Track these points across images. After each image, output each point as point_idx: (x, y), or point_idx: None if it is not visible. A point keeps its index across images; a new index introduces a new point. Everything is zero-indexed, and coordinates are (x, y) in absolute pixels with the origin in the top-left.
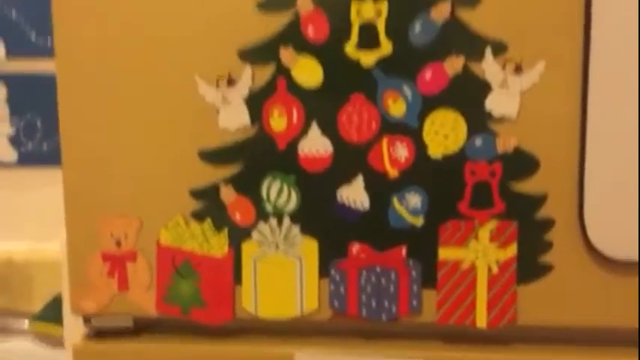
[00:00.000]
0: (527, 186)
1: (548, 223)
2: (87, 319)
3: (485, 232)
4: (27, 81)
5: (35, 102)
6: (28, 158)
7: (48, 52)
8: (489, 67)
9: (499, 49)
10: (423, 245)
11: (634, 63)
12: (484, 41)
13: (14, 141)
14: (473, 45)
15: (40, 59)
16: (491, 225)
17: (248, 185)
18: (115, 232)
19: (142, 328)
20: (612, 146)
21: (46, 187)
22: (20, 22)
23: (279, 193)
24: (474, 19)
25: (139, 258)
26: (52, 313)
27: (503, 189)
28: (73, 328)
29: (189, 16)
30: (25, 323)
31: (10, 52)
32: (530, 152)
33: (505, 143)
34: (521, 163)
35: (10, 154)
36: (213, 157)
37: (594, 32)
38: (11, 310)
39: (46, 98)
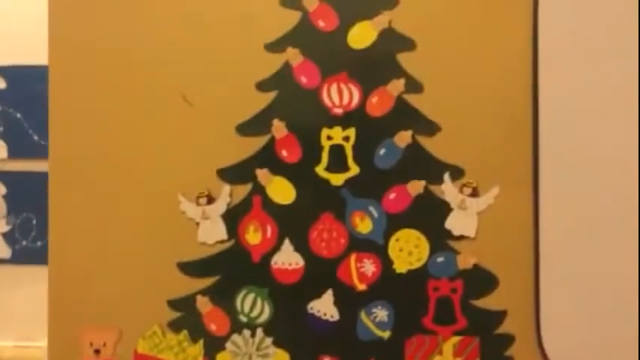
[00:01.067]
0: (488, 302)
1: (509, 339)
2: None
3: (449, 348)
4: (26, 180)
5: (32, 200)
6: (21, 256)
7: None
8: (448, 190)
9: (457, 173)
10: (390, 359)
11: (581, 181)
12: (443, 166)
13: (9, 238)
14: (433, 169)
15: (40, 160)
16: (454, 340)
17: (223, 297)
18: (94, 342)
19: None
20: (565, 262)
21: (38, 285)
22: (24, 123)
23: (253, 304)
24: (434, 145)
25: None
26: None
27: (465, 305)
28: None
29: (172, 136)
30: None
31: (12, 153)
32: (489, 270)
33: (465, 261)
34: (481, 280)
35: (5, 251)
36: (192, 269)
37: (542, 157)
38: None
39: (43, 197)
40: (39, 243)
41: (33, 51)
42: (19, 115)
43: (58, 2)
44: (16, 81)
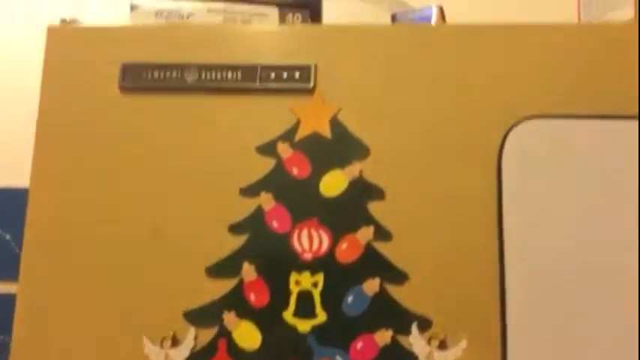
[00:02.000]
0: None
1: None
2: None
3: None
4: (5, 302)
5: (11, 323)
6: None
7: None
8: (416, 342)
9: (424, 324)
10: None
11: (550, 340)
12: (411, 316)
13: None
14: (401, 319)
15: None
16: None
17: None
18: None
19: None
20: None
21: None
22: (11, 244)
23: None
24: (402, 294)
25: None
26: None
27: None
28: None
29: (141, 276)
30: None
31: (1, 275)
32: None
33: None
34: None
35: None
36: None
37: (510, 313)
38: None
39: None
40: None
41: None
42: (7, 237)
43: (45, 126)
44: (6, 203)
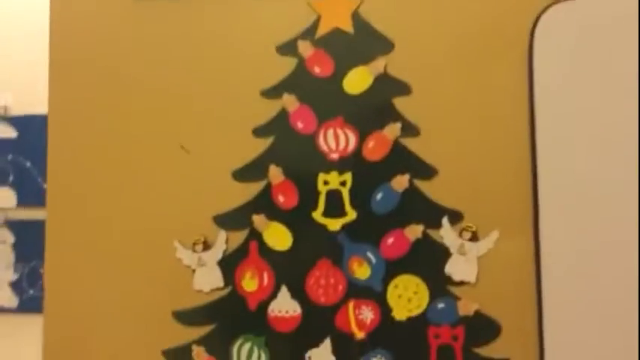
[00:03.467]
0: (490, 350)
1: None
2: None
3: None
4: (34, 228)
5: (40, 249)
6: (28, 305)
7: None
8: (447, 234)
9: (455, 217)
10: None
11: (582, 222)
12: (441, 210)
13: (16, 287)
14: (431, 213)
15: None
16: None
17: (220, 346)
18: None
19: None
20: (570, 307)
21: None
22: (33, 172)
23: (250, 354)
24: (432, 189)
25: None
26: None
27: (467, 353)
28: None
29: (168, 183)
30: None
31: (22, 201)
32: (491, 316)
33: (466, 307)
34: (483, 328)
35: (12, 301)
36: (187, 317)
37: (542, 199)
38: None
39: None
40: None
41: (43, 100)
42: (28, 164)
43: (59, 47)
44: (26, 130)
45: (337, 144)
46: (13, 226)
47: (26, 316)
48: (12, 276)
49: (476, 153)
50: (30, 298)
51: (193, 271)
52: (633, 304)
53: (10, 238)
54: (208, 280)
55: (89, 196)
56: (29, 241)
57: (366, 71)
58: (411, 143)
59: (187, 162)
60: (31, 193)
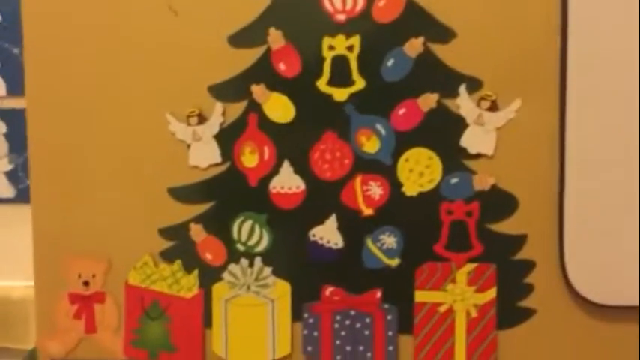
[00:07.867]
0: (506, 226)
1: (529, 265)
2: None
3: (462, 275)
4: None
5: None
6: (26, 195)
7: None
8: (464, 104)
9: (474, 85)
10: (398, 288)
11: (613, 96)
12: (459, 77)
13: (12, 177)
14: (447, 81)
15: None
16: (469, 267)
17: (219, 224)
18: (83, 273)
19: None
20: (592, 184)
21: None
22: (20, 58)
23: (251, 232)
24: (449, 54)
25: (108, 299)
26: None
27: (481, 229)
28: None
29: (157, 50)
30: None
31: (12, 90)
32: (509, 191)
33: (482, 181)
34: (499, 203)
35: (8, 191)
36: (184, 194)
37: (570, 65)
38: (8, 347)
39: None
40: None
41: None
42: (15, 50)
43: None
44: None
45: (344, 4)
46: (5, 115)
47: (25, 206)
48: (7, 166)
49: (497, 12)
50: (27, 188)
51: (188, 146)
52: None
53: (2, 127)
54: (205, 156)
55: (74, 70)
56: (23, 131)
57: None
58: (425, 2)
59: (178, 26)
60: (20, 81)
